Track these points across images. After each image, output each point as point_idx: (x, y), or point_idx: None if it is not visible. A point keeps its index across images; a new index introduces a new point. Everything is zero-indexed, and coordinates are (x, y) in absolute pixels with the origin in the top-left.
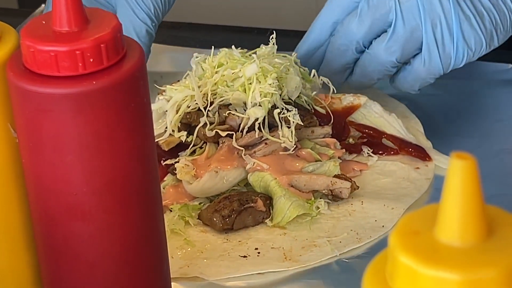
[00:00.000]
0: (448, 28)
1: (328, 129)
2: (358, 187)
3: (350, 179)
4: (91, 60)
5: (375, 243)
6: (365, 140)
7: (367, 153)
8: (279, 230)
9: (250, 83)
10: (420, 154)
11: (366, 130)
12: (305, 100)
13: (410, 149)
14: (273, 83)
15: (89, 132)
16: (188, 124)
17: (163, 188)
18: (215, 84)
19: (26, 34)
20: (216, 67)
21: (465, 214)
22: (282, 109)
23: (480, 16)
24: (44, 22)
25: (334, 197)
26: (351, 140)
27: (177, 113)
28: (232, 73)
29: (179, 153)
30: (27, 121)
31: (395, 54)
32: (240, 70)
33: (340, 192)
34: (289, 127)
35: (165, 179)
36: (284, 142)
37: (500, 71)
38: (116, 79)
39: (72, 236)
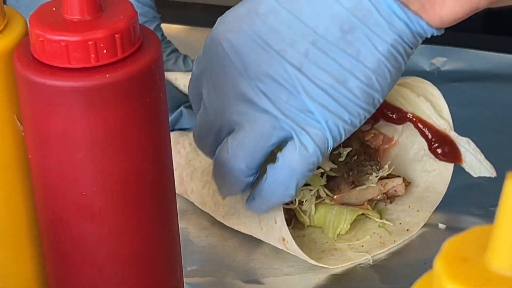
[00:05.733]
0: (301, 111)
1: None
2: (410, 183)
3: (398, 175)
4: (105, 51)
5: (399, 248)
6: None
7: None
8: (298, 231)
9: None
10: (450, 153)
11: (389, 114)
12: None
13: (439, 148)
14: None
15: (101, 128)
16: None
17: None
18: None
19: (35, 21)
20: None
21: None
22: None
23: (342, 81)
24: (54, 9)
25: (390, 199)
26: None
27: None
28: None
29: None
30: (35, 115)
31: (240, 158)
32: None
33: (395, 191)
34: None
35: None
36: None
37: None
38: (131, 72)
39: (80, 237)
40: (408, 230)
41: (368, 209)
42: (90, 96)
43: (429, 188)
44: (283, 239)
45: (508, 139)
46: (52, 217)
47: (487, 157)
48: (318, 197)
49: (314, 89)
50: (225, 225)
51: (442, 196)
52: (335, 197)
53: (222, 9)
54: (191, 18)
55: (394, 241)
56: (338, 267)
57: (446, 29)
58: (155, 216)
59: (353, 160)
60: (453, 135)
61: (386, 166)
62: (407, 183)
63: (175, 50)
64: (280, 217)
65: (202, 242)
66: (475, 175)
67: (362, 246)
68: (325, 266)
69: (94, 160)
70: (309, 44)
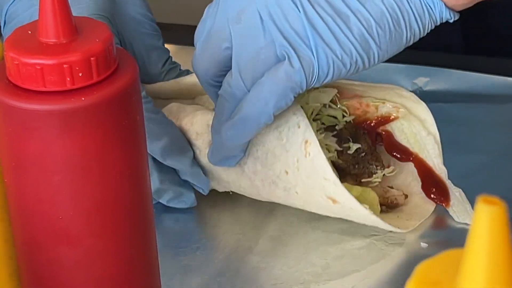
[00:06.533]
0: (297, 33)
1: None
2: (407, 195)
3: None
4: (80, 74)
5: (377, 266)
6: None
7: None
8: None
9: None
10: (440, 197)
11: (395, 153)
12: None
13: (432, 189)
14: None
15: (77, 151)
16: None
17: None
18: None
19: (10, 45)
20: None
21: (491, 264)
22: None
23: (343, 17)
24: (30, 32)
25: (389, 207)
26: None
27: None
28: None
29: None
30: (10, 139)
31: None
32: None
33: (396, 199)
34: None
35: None
36: None
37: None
38: (107, 95)
39: (57, 262)
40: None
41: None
42: (66, 119)
43: (417, 207)
44: (306, 142)
45: (489, 159)
46: (29, 240)
47: (469, 177)
48: None
49: (314, 15)
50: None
51: (430, 212)
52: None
53: None
54: (177, 38)
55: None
56: None
57: (428, 49)
58: (133, 239)
59: (361, 156)
60: (448, 183)
61: (391, 167)
62: (406, 196)
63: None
64: (304, 121)
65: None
66: (457, 220)
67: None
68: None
69: (71, 183)
70: None
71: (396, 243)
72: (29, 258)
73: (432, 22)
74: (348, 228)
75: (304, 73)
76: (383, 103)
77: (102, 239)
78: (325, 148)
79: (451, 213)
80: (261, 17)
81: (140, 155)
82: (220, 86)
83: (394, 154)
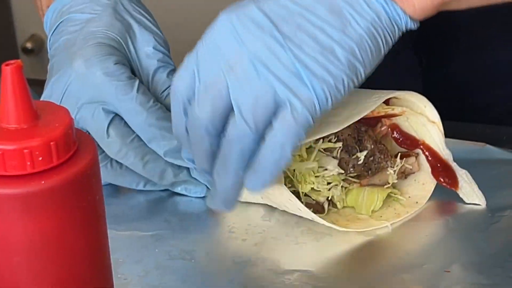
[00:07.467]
0: (293, 76)
1: None
2: (418, 154)
3: (409, 153)
4: (40, 158)
5: None
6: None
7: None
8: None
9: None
10: (449, 180)
11: (401, 139)
12: None
13: (441, 175)
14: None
15: (37, 233)
16: None
17: None
18: None
19: None
20: None
21: None
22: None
23: (329, 49)
24: None
25: (406, 176)
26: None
27: None
28: None
29: None
30: None
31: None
32: None
33: (411, 169)
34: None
35: None
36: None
37: (473, 150)
38: (66, 178)
39: None
40: (417, 202)
41: (392, 190)
42: (26, 202)
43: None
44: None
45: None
46: None
47: None
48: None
49: (303, 55)
50: None
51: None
52: (361, 182)
53: None
54: None
55: (407, 212)
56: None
57: None
58: None
59: (370, 160)
60: (454, 165)
61: (398, 160)
62: (416, 155)
63: None
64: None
65: None
66: (467, 201)
67: (381, 216)
68: (352, 230)
69: (31, 263)
70: (302, 19)
71: None
72: None
73: (400, 32)
74: None
75: (308, 112)
76: (392, 109)
77: None
78: (325, 183)
79: (460, 195)
80: (254, 66)
81: (100, 234)
82: (216, 133)
83: (403, 144)
